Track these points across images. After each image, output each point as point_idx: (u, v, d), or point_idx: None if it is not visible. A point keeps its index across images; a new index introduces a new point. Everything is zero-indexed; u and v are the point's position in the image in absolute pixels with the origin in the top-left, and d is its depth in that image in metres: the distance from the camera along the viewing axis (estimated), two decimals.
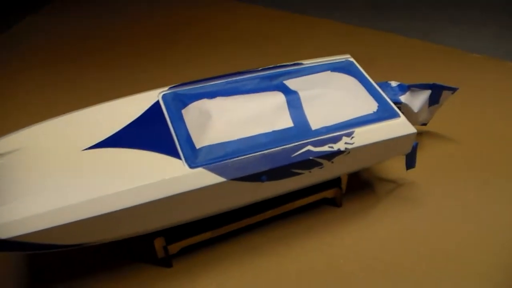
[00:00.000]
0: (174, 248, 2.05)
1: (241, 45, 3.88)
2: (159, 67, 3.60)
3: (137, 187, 1.72)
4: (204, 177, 1.79)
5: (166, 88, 2.07)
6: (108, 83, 3.41)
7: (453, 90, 2.39)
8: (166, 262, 2.09)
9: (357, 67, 2.29)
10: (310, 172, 1.97)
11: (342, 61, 2.30)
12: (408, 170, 2.32)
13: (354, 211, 2.31)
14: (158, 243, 2.02)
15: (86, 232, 1.75)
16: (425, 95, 2.37)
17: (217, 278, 2.05)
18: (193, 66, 3.56)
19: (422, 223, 2.26)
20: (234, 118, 1.96)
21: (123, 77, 3.48)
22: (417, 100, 2.37)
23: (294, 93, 2.08)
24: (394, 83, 2.38)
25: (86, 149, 1.85)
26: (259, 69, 2.20)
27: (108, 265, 2.12)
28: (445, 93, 2.38)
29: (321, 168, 1.98)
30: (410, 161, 2.28)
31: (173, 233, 2.03)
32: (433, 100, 2.40)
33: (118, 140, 1.88)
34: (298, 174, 1.95)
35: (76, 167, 1.80)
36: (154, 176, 1.75)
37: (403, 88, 2.36)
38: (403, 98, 2.36)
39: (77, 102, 2.25)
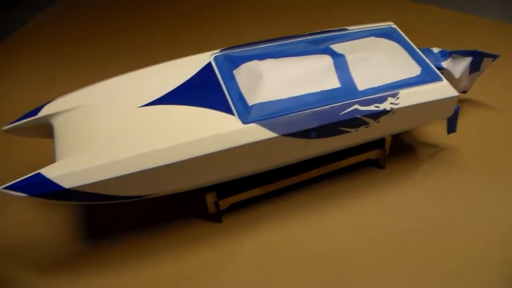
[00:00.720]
0: (224, 203, 2.16)
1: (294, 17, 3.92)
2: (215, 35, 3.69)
3: (192, 141, 1.82)
4: (257, 132, 1.88)
5: (217, 51, 2.17)
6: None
7: (494, 57, 2.42)
8: (216, 217, 2.20)
9: (400, 33, 2.34)
10: (356, 130, 2.04)
11: (386, 28, 2.36)
12: (449, 135, 2.37)
13: (397, 173, 2.38)
14: (210, 198, 2.13)
15: (143, 184, 1.86)
16: (466, 62, 2.40)
17: (264, 234, 2.15)
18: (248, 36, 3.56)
19: (462, 186, 2.32)
20: (284, 78, 2.05)
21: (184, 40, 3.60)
22: (458, 67, 2.40)
23: (341, 56, 2.15)
24: (436, 49, 2.42)
25: (142, 106, 1.96)
26: (306, 33, 2.28)
27: (160, 219, 2.24)
28: (485, 60, 2.41)
29: (367, 127, 2.05)
30: (452, 125, 2.33)
31: (224, 189, 2.13)
32: (474, 67, 2.43)
33: (173, 97, 1.98)
34: (345, 132, 2.03)
35: (133, 123, 1.91)
36: (209, 131, 1.85)
37: (445, 54, 2.40)
38: (444, 64, 2.40)
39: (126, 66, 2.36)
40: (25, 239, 2.19)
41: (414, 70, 2.17)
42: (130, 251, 2.12)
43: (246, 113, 1.91)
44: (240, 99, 1.96)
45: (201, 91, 2.01)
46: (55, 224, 2.23)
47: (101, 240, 2.17)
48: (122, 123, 1.91)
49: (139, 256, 2.10)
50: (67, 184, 1.74)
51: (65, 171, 1.76)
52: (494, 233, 2.12)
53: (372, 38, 2.29)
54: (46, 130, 2.05)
